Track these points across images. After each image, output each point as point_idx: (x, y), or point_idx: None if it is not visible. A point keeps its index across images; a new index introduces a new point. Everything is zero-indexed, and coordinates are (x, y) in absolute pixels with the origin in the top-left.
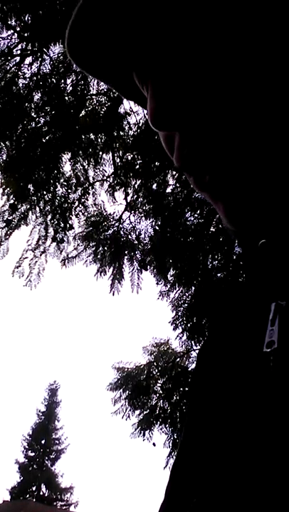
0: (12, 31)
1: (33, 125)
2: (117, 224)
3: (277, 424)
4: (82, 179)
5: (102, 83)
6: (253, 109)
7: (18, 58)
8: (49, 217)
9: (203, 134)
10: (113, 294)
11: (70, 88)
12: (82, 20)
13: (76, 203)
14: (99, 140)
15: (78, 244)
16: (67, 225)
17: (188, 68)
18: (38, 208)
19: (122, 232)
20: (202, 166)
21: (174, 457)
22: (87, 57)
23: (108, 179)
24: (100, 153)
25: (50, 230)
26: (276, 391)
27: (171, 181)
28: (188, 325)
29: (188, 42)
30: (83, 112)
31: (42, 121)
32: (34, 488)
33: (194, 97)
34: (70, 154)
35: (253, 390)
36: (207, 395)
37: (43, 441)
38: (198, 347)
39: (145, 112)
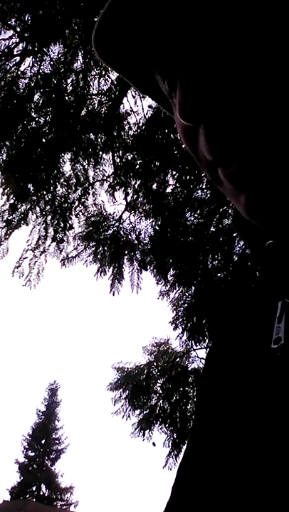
0: (12, 31)
1: (33, 125)
2: (117, 224)
3: (285, 420)
4: (82, 179)
5: (102, 83)
6: (282, 105)
7: (18, 58)
8: (49, 217)
9: (233, 125)
10: (113, 294)
11: (70, 88)
12: (111, 17)
13: (76, 203)
14: (99, 140)
15: (78, 244)
16: (67, 225)
17: (217, 61)
18: (38, 208)
19: (122, 232)
20: (232, 156)
21: (178, 458)
22: (112, 52)
23: (108, 179)
24: (100, 153)
25: (50, 230)
26: (283, 386)
27: (171, 181)
28: (188, 325)
29: (216, 36)
30: (83, 112)
31: (42, 121)
32: (34, 488)
33: (223, 89)
34: (70, 154)
35: (261, 387)
36: (216, 394)
37: (43, 441)
38: (199, 347)
39: (146, 111)
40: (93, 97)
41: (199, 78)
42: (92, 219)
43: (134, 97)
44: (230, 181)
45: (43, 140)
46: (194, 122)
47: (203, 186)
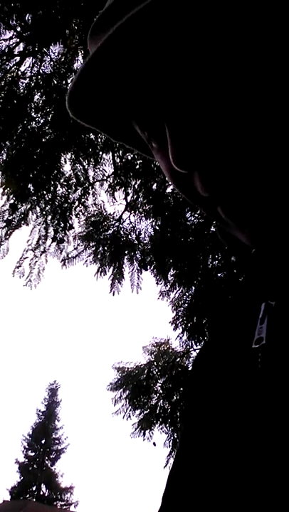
0: (12, 31)
1: (33, 125)
2: (117, 224)
3: (266, 419)
4: (82, 179)
5: None
6: (272, 144)
7: (18, 58)
8: (49, 217)
9: (226, 168)
10: (113, 294)
11: None
12: (87, 78)
13: (76, 203)
14: (99, 140)
15: (78, 244)
16: (67, 225)
17: (203, 109)
18: (38, 208)
19: (122, 232)
20: (230, 196)
21: (172, 463)
22: (88, 112)
23: (108, 179)
24: (100, 153)
25: (50, 230)
26: (264, 386)
27: None
28: (189, 325)
29: (200, 85)
30: None
31: (42, 121)
32: (34, 488)
33: (212, 135)
34: (70, 154)
35: (242, 387)
36: (201, 397)
37: (43, 441)
38: (199, 347)
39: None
40: None
41: (188, 127)
42: (92, 219)
43: None
44: (232, 220)
45: (43, 140)
46: (188, 170)
47: None
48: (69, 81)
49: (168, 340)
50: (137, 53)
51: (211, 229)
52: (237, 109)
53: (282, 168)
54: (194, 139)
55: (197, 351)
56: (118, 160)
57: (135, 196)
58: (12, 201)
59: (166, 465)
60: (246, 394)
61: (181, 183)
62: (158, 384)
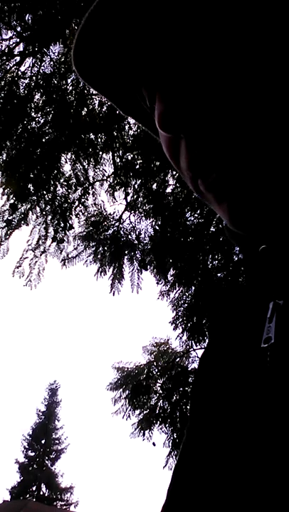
0: (12, 31)
1: (33, 125)
2: (117, 224)
3: (275, 416)
4: (82, 179)
5: None
6: (259, 111)
7: (18, 58)
8: (49, 217)
9: (210, 135)
10: (113, 294)
11: (71, 88)
12: (89, 34)
13: (76, 203)
14: (99, 140)
15: (78, 244)
16: (67, 225)
17: (194, 74)
18: (38, 208)
19: (122, 232)
20: (210, 166)
21: (177, 458)
22: (93, 72)
23: (108, 179)
24: (100, 153)
25: (50, 230)
26: (273, 385)
27: (171, 181)
28: (189, 325)
29: (193, 51)
30: (84, 112)
31: (42, 121)
32: (34, 488)
33: (200, 100)
34: (70, 154)
35: (251, 386)
36: (208, 395)
37: (43, 441)
38: (199, 347)
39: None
40: (93, 96)
41: (177, 89)
42: (92, 219)
43: None
44: (209, 191)
45: (43, 140)
46: (172, 132)
47: None
48: (69, 81)
49: (168, 340)
50: (137, 14)
51: (211, 229)
52: (226, 77)
53: (263, 144)
54: (180, 103)
55: (197, 351)
56: (118, 160)
57: (135, 196)
58: (12, 201)
59: (165, 465)
60: (255, 392)
61: (175, 155)
62: (158, 384)
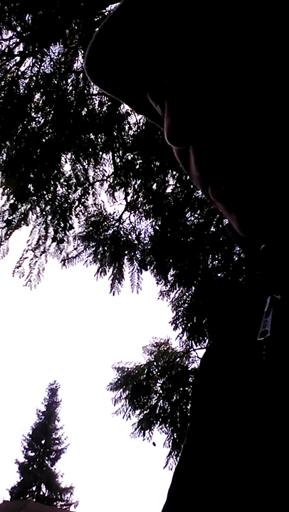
0: (12, 31)
1: (33, 125)
2: (117, 224)
3: (270, 411)
4: (82, 179)
5: None
6: (268, 126)
7: (18, 58)
8: (49, 217)
9: (219, 148)
10: (113, 294)
11: (71, 88)
12: (102, 42)
13: (76, 203)
14: (99, 140)
15: (78, 244)
16: (67, 225)
17: (202, 88)
18: (38, 208)
19: (122, 232)
20: (219, 178)
21: (178, 458)
22: (104, 77)
23: (108, 179)
24: (100, 153)
25: (50, 230)
26: (268, 378)
27: (171, 181)
28: (189, 325)
29: (202, 65)
30: (84, 112)
31: (42, 121)
32: (34, 488)
33: (209, 114)
34: (70, 154)
35: (247, 379)
36: (209, 395)
37: (43, 441)
38: (199, 347)
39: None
40: (93, 97)
41: (185, 102)
42: (92, 219)
43: None
44: (220, 201)
45: (43, 140)
46: (181, 145)
47: None
48: (69, 81)
49: (168, 340)
50: (146, 23)
51: (211, 229)
52: (234, 89)
53: (273, 154)
54: (188, 116)
55: (197, 351)
56: (118, 160)
57: (135, 196)
58: (12, 201)
59: (165, 465)
60: (251, 386)
61: (185, 163)
62: (158, 384)
